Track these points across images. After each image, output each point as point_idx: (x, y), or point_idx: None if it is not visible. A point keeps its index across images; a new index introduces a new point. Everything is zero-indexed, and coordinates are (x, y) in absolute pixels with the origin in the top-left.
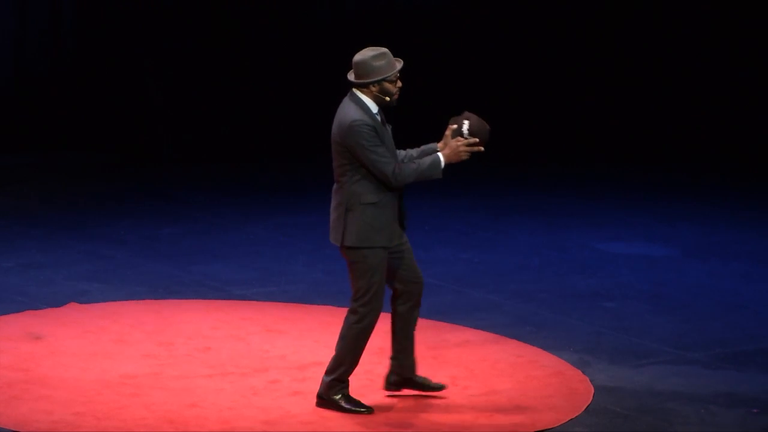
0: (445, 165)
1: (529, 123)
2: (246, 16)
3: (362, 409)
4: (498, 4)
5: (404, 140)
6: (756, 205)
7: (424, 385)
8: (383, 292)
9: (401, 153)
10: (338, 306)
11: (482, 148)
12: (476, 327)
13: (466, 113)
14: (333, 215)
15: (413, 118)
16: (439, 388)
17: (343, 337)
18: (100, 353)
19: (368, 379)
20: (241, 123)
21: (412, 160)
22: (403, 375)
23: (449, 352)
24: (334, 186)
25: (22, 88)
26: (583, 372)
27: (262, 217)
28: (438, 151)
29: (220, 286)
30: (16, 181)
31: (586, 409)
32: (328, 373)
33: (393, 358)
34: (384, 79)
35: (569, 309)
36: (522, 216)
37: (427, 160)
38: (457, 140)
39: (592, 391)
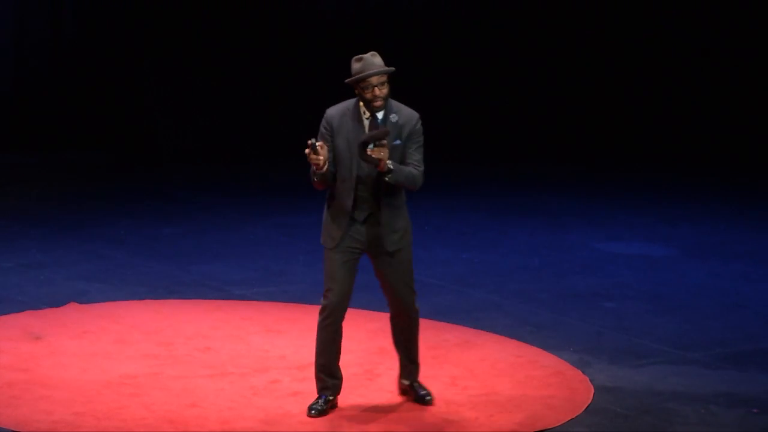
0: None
1: (530, 123)
2: (246, 16)
3: (311, 411)
4: (504, 5)
5: None
6: (756, 205)
7: (417, 394)
8: (337, 289)
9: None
10: None
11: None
12: (476, 327)
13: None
14: None
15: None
16: (426, 402)
17: None
18: (100, 353)
19: (367, 378)
20: (241, 123)
21: None
22: (399, 380)
23: (449, 352)
24: None
25: (22, 88)
26: (583, 372)
27: (262, 217)
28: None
29: (220, 286)
30: (16, 181)
31: (586, 409)
32: None
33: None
34: (357, 82)
35: (569, 309)
36: (522, 216)
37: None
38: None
39: (592, 391)
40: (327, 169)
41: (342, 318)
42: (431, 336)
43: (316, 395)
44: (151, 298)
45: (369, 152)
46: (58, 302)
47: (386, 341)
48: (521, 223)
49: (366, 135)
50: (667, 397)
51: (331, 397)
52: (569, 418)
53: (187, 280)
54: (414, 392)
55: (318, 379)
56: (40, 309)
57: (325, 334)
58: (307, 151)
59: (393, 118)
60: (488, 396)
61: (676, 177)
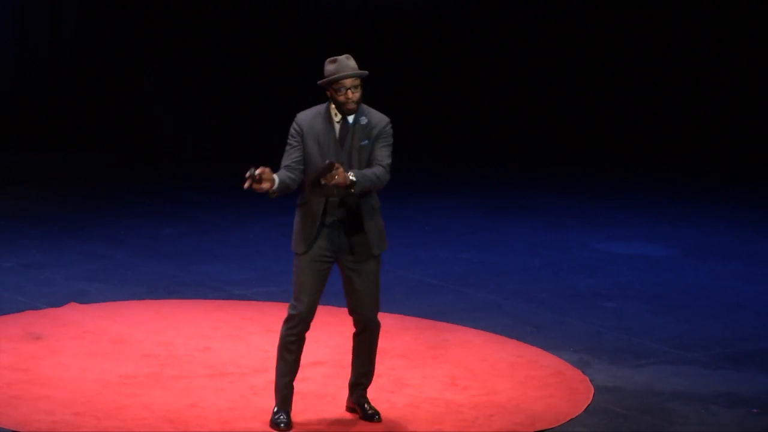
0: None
1: (530, 123)
2: (246, 16)
3: (280, 425)
4: (503, 8)
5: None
6: (756, 205)
7: (366, 413)
8: (306, 298)
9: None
10: (338, 306)
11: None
12: (476, 327)
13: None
14: None
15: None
16: (375, 419)
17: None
18: (100, 353)
19: None
20: (241, 123)
21: None
22: (349, 395)
23: (449, 352)
24: None
25: (22, 88)
26: (583, 372)
27: (262, 217)
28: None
29: (220, 286)
30: (16, 181)
31: (586, 409)
32: None
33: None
34: (329, 84)
35: (569, 309)
36: (522, 216)
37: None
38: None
39: (592, 391)
40: (277, 186)
41: (308, 328)
42: (431, 336)
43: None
44: (151, 298)
45: (324, 182)
46: (58, 302)
47: (386, 341)
48: (521, 223)
49: (313, 175)
50: (667, 397)
51: (288, 408)
52: (569, 418)
53: (187, 280)
54: (362, 411)
55: (276, 390)
56: (40, 309)
57: (289, 346)
58: (246, 185)
59: (363, 120)
60: (488, 396)
61: (676, 177)
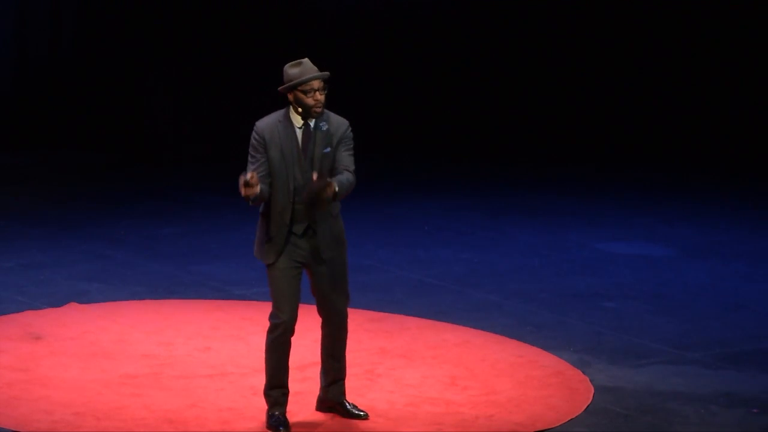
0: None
1: (530, 123)
2: (247, 16)
3: (279, 428)
4: (502, 7)
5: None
6: (756, 205)
7: (350, 412)
8: (287, 307)
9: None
10: None
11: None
12: (476, 327)
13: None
14: None
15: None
16: (361, 416)
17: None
18: (100, 353)
19: (368, 378)
20: (240, 123)
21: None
22: (326, 397)
23: (449, 352)
24: None
25: (23, 88)
26: (583, 372)
27: None
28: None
29: (220, 286)
30: (16, 181)
31: (586, 409)
32: None
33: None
34: (295, 87)
35: (569, 309)
36: (522, 216)
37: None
38: (246, 175)
39: (592, 391)
40: (259, 193)
41: (293, 333)
42: (431, 336)
43: (270, 411)
44: (151, 298)
45: (325, 196)
46: (58, 302)
47: (386, 341)
48: (521, 223)
49: (306, 198)
50: (667, 397)
51: (284, 411)
52: (569, 418)
53: (187, 280)
54: (346, 412)
55: (269, 396)
56: (40, 309)
57: (278, 354)
58: (245, 192)
59: (323, 126)
60: (488, 396)
61: (676, 177)
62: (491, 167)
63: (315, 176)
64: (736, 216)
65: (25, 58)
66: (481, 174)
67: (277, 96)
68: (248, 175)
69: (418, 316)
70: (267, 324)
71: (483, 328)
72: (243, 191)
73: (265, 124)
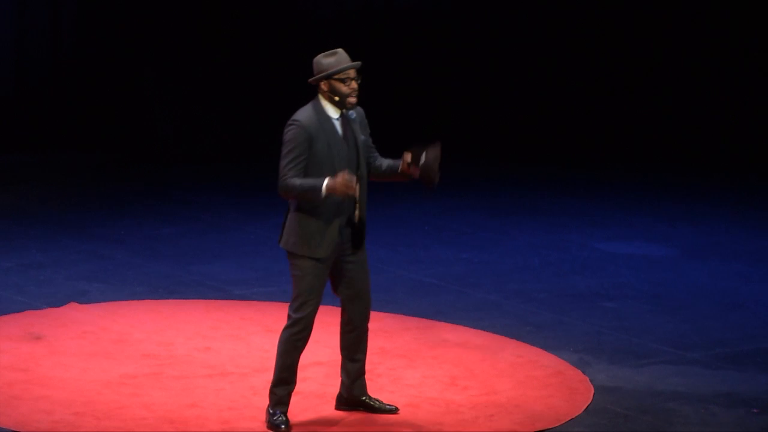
0: (329, 193)
1: (530, 123)
2: (247, 16)
3: (281, 427)
4: (501, 8)
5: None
6: (755, 205)
7: (381, 408)
8: (314, 303)
9: (381, 160)
10: (338, 306)
11: (356, 194)
12: (476, 327)
13: (431, 148)
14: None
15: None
16: (392, 410)
17: (279, 342)
18: (100, 353)
19: (368, 378)
20: (241, 123)
21: (379, 170)
22: (349, 394)
23: (449, 352)
24: None
25: (22, 88)
26: (583, 372)
27: (262, 217)
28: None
29: (220, 286)
30: (16, 181)
31: (586, 409)
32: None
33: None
34: (331, 76)
35: (569, 309)
36: (522, 216)
37: (310, 182)
38: (348, 174)
39: (592, 391)
40: None
41: (312, 329)
42: (431, 336)
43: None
44: (151, 298)
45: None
46: (58, 302)
47: (386, 341)
48: (521, 223)
49: (422, 172)
50: (667, 397)
51: (285, 410)
52: (569, 418)
53: (187, 280)
54: (376, 408)
55: (273, 393)
56: (40, 309)
57: (295, 350)
58: (353, 192)
59: (351, 115)
60: (488, 396)
61: (676, 177)
62: (491, 167)
63: (408, 157)
64: (736, 216)
65: (26, 58)
66: (481, 174)
67: (277, 96)
68: (352, 178)
69: (418, 316)
70: (267, 323)
71: (483, 328)
72: (353, 191)
73: (306, 117)
